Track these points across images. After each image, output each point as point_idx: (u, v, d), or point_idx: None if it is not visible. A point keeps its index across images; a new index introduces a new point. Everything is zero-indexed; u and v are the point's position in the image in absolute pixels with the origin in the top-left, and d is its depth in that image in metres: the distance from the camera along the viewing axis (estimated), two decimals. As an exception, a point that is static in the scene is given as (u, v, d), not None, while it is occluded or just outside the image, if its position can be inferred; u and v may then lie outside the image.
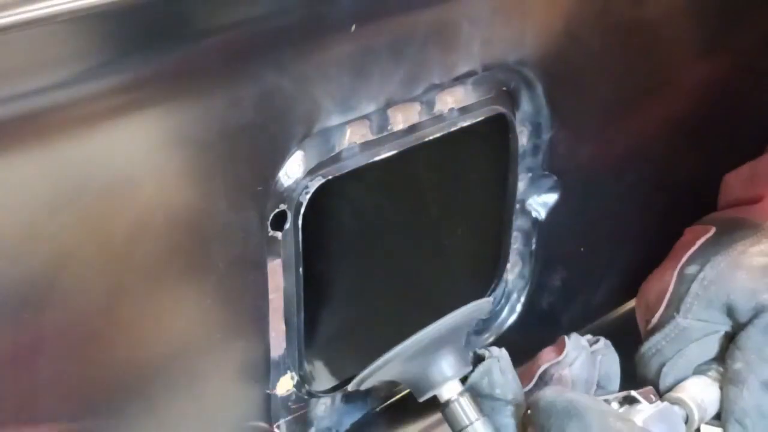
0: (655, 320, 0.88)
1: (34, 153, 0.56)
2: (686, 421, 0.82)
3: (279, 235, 0.70)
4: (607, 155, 0.93)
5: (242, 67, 0.63)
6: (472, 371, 0.78)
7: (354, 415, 0.83)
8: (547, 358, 0.82)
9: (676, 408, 0.82)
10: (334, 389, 0.82)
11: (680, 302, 0.86)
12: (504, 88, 0.81)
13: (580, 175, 0.91)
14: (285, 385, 0.76)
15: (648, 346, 0.87)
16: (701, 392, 0.84)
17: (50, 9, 0.52)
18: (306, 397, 0.78)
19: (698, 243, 0.90)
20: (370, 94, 0.71)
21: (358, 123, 0.72)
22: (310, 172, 0.70)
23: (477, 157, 0.88)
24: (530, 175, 0.87)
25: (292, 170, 0.69)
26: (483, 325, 0.91)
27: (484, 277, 0.90)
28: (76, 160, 0.58)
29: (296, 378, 0.76)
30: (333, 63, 0.68)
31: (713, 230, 0.91)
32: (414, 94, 0.75)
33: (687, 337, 0.86)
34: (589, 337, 0.84)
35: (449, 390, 0.76)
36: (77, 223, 0.59)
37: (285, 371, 0.75)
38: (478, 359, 0.79)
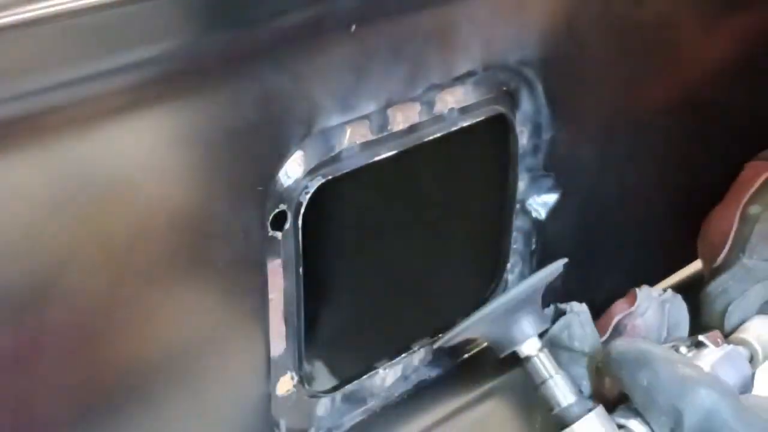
0: (720, 260, 0.90)
1: (34, 153, 0.56)
2: (750, 360, 0.85)
3: (279, 235, 0.70)
4: (607, 155, 0.93)
5: (242, 67, 0.63)
6: (552, 325, 0.84)
7: (354, 415, 0.83)
8: (620, 309, 0.87)
9: (740, 349, 0.84)
10: (334, 389, 0.82)
11: (745, 243, 0.89)
12: (504, 88, 0.81)
13: (580, 175, 0.91)
14: (285, 385, 0.76)
15: (714, 286, 0.90)
16: (765, 332, 0.86)
17: (50, 9, 0.52)
18: (306, 397, 0.78)
19: (758, 182, 0.92)
20: (370, 94, 0.71)
21: (358, 123, 0.72)
22: (310, 172, 0.70)
23: (477, 157, 0.88)
24: (530, 175, 0.87)
25: (292, 170, 0.69)
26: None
27: (484, 277, 0.90)
28: (76, 160, 0.58)
29: (296, 378, 0.76)
30: (333, 63, 0.68)
31: None
32: (414, 94, 0.75)
33: (753, 277, 0.88)
34: (658, 288, 0.89)
35: (530, 347, 0.81)
36: (77, 223, 0.59)
37: (285, 371, 0.75)
38: (559, 314, 0.86)
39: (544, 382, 0.81)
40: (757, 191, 0.92)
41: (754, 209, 0.91)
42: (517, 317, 0.80)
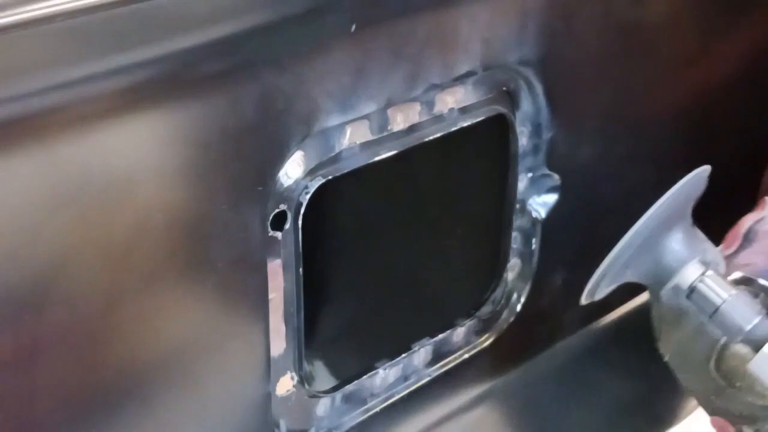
0: None
1: (34, 153, 0.56)
2: None
3: (279, 235, 0.70)
4: (607, 155, 0.93)
5: (242, 67, 0.63)
6: None
7: (354, 415, 0.83)
8: (750, 218, 0.81)
9: None
10: (334, 389, 0.82)
11: None
12: (504, 88, 0.81)
13: (580, 175, 0.91)
14: (285, 385, 0.76)
15: None
16: None
17: (50, 9, 0.52)
18: (306, 397, 0.78)
19: None
20: (370, 94, 0.71)
21: (358, 123, 0.72)
22: (310, 172, 0.70)
23: (477, 157, 0.88)
24: (530, 175, 0.87)
25: (292, 170, 0.69)
26: (483, 326, 0.91)
27: (484, 276, 0.91)
28: (76, 160, 0.58)
29: (296, 378, 0.76)
30: (333, 63, 0.68)
31: None
32: (414, 94, 0.75)
33: None
34: None
35: (690, 273, 0.72)
36: (77, 224, 0.59)
37: (285, 371, 0.75)
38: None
39: (716, 310, 0.71)
40: None
41: None
42: (666, 241, 0.71)
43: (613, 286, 0.73)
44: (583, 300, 0.73)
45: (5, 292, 0.57)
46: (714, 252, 0.74)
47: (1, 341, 0.58)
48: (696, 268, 0.72)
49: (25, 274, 0.58)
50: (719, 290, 0.72)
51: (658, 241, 0.71)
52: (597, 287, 0.72)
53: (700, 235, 0.74)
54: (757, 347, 0.70)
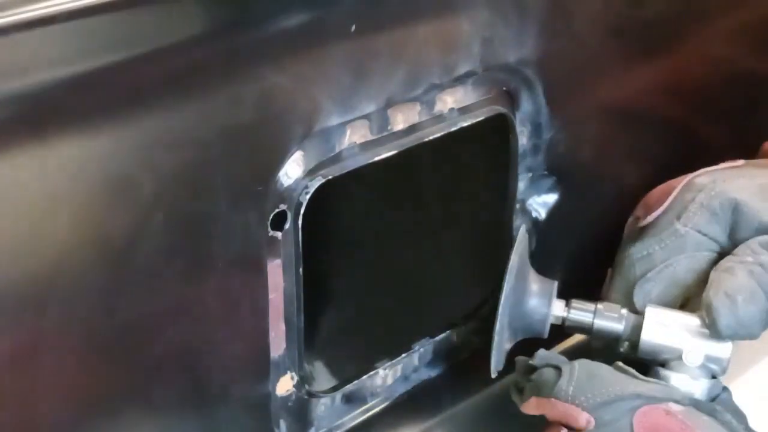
0: (650, 219, 0.85)
1: (35, 153, 0.56)
2: None
3: (279, 235, 0.70)
4: (607, 155, 0.93)
5: (242, 67, 0.63)
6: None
7: (354, 415, 0.83)
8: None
9: None
10: (334, 389, 0.82)
11: (683, 209, 0.83)
12: (504, 88, 0.81)
13: (580, 175, 0.91)
14: (285, 385, 0.76)
15: (639, 248, 0.84)
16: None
17: (50, 9, 0.52)
18: (306, 397, 0.78)
19: (721, 165, 0.87)
20: (370, 94, 0.71)
21: (358, 123, 0.72)
22: (310, 172, 0.70)
23: (477, 157, 0.89)
24: (530, 175, 0.87)
25: (292, 170, 0.69)
26: (483, 326, 0.91)
27: (484, 276, 0.90)
28: (75, 159, 0.58)
29: (296, 378, 0.76)
30: (333, 63, 0.68)
31: (742, 162, 0.88)
32: (414, 94, 0.75)
33: (680, 247, 0.82)
34: None
35: (556, 310, 0.81)
36: (77, 224, 0.59)
37: (285, 371, 0.75)
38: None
39: (591, 326, 0.80)
40: (714, 170, 0.87)
41: (702, 180, 0.85)
42: (524, 301, 0.80)
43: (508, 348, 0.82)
44: (493, 374, 0.81)
45: (5, 291, 0.57)
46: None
47: (0, 341, 0.58)
48: (559, 304, 0.81)
49: (25, 273, 0.58)
50: (586, 311, 0.81)
51: (522, 305, 0.80)
52: (499, 359, 0.80)
53: (542, 278, 0.83)
54: (638, 329, 0.79)
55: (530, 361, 0.80)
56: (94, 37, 0.56)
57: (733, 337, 0.77)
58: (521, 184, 0.87)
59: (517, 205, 0.88)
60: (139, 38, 0.57)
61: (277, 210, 0.69)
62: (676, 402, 0.75)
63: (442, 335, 0.88)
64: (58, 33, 0.54)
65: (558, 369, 0.77)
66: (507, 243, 0.89)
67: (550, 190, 0.89)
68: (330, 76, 0.68)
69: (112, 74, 0.57)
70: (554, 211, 0.90)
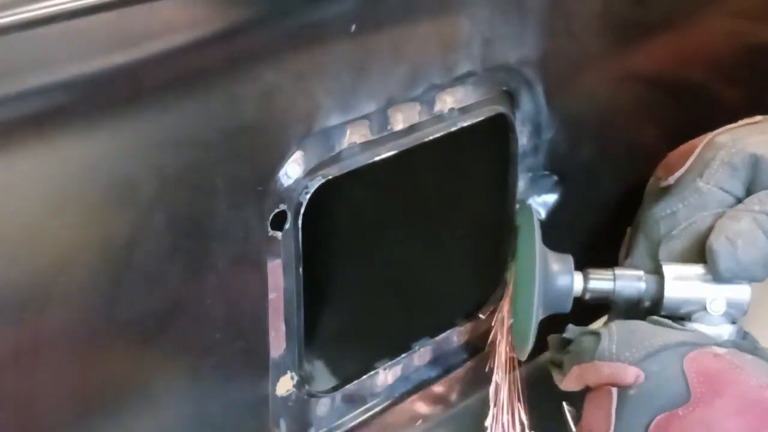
0: (672, 179, 0.85)
1: (35, 153, 0.56)
2: None
3: (279, 235, 0.70)
4: (607, 155, 0.93)
5: (242, 67, 0.63)
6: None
7: (354, 415, 0.83)
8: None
9: None
10: (334, 389, 0.82)
11: (705, 167, 0.83)
12: (504, 88, 0.81)
13: (580, 175, 0.91)
14: (285, 385, 0.76)
15: (662, 207, 0.85)
16: None
17: (50, 9, 0.52)
18: (306, 397, 0.78)
19: (740, 122, 0.87)
20: (370, 94, 0.71)
21: (358, 123, 0.72)
22: (310, 172, 0.70)
23: (477, 157, 0.88)
24: (530, 175, 0.87)
25: (292, 170, 0.69)
26: (483, 325, 0.91)
27: (485, 276, 0.90)
28: (75, 159, 0.58)
29: (296, 378, 0.76)
30: (333, 63, 0.68)
31: (761, 118, 0.88)
32: (414, 94, 0.75)
33: (703, 204, 0.83)
34: None
35: (577, 285, 0.81)
36: (77, 224, 0.59)
37: (285, 371, 0.75)
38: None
39: (612, 291, 0.81)
40: (733, 127, 0.87)
41: (722, 138, 0.85)
42: (552, 278, 0.80)
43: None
44: (524, 357, 0.82)
45: (5, 291, 0.57)
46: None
47: (1, 341, 0.58)
48: (578, 278, 0.81)
49: (25, 273, 0.58)
50: (606, 277, 0.81)
51: (546, 283, 0.80)
52: (532, 341, 0.80)
53: (558, 254, 0.82)
54: (660, 286, 0.80)
55: (565, 335, 0.80)
56: (94, 37, 0.56)
57: (734, 279, 0.78)
58: (521, 184, 0.87)
59: (517, 205, 0.88)
60: (139, 38, 0.57)
61: (277, 210, 0.69)
62: (719, 345, 0.76)
63: (442, 335, 0.88)
64: (58, 33, 0.54)
65: (596, 334, 0.77)
66: (507, 243, 0.89)
67: (550, 190, 0.89)
68: (330, 75, 0.68)
69: (113, 74, 0.57)
70: (554, 211, 0.90)
